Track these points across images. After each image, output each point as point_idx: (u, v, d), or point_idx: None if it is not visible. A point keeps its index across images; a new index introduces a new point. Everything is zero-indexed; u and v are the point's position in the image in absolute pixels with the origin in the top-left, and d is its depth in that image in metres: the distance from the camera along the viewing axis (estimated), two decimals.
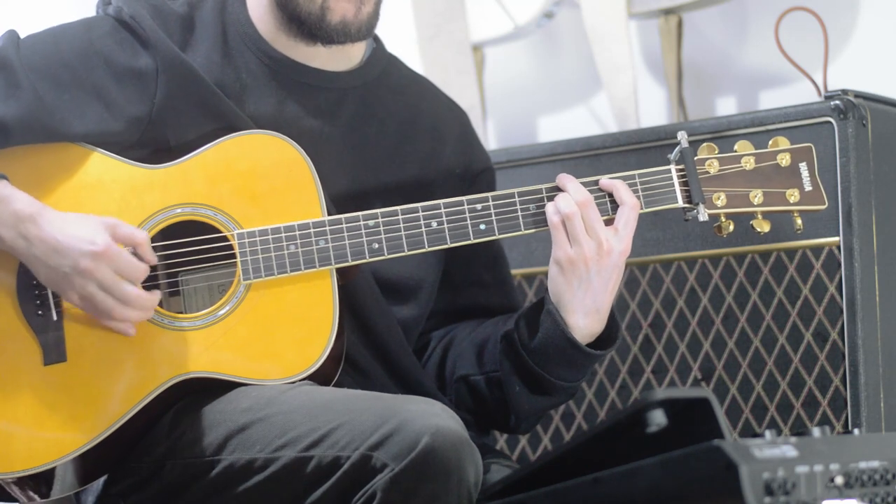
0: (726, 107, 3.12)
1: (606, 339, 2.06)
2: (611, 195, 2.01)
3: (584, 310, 2.01)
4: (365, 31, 2.09)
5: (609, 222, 2.00)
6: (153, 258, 1.95)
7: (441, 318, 2.22)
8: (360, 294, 2.07)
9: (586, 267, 1.98)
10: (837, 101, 2.35)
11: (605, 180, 2.01)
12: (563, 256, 1.99)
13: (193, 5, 2.11)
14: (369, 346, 2.09)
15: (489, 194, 2.02)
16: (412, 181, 2.15)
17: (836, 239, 2.34)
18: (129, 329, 1.94)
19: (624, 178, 2.02)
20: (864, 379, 2.32)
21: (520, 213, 2.01)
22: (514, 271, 2.53)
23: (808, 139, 2.23)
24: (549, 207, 2.00)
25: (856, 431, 1.89)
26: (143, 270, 1.92)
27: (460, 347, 2.17)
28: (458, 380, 2.15)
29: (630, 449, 1.59)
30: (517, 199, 2.02)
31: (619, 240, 1.99)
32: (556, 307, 2.01)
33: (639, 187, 2.02)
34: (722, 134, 2.44)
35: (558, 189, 2.02)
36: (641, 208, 2.02)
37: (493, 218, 2.01)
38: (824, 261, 2.36)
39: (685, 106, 3.04)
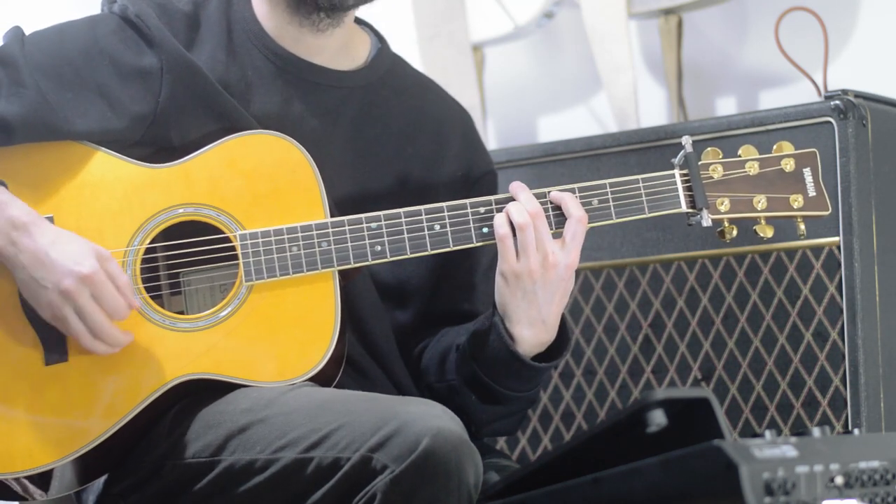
0: (726, 107, 3.12)
1: (556, 348, 2.05)
2: (559, 208, 2.00)
3: (529, 321, 2.00)
4: None
5: (557, 236, 2.00)
6: (134, 301, 1.93)
7: (432, 322, 2.21)
8: (357, 296, 2.07)
9: (531, 279, 1.97)
10: (837, 101, 2.35)
11: (556, 192, 2.00)
12: (508, 269, 1.98)
13: (199, 4, 2.11)
14: (366, 348, 2.10)
15: (492, 197, 2.01)
16: (415, 182, 2.15)
17: (836, 239, 2.35)
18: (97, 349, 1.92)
19: (627, 183, 2.02)
20: (864, 379, 2.32)
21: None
22: None
23: (808, 139, 2.24)
24: (497, 219, 1.99)
25: (856, 431, 1.89)
26: (124, 308, 1.90)
27: (429, 354, 2.16)
28: (425, 387, 2.14)
29: (630, 449, 1.59)
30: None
31: (565, 253, 1.98)
32: (502, 318, 2.01)
33: (642, 191, 2.02)
34: (722, 134, 2.44)
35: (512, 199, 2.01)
36: (588, 223, 1.99)
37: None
38: (824, 261, 2.36)
39: (685, 106, 3.04)
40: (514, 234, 1.97)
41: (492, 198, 2.01)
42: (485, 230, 2.01)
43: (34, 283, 1.89)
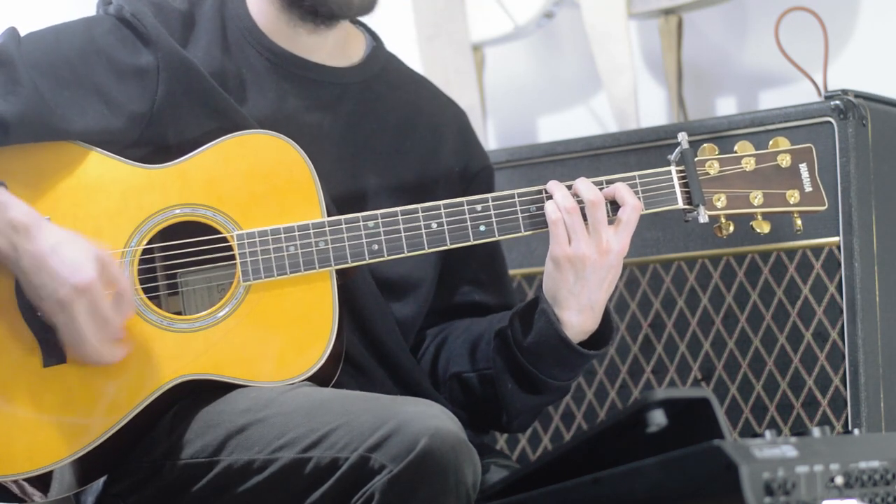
0: (726, 107, 3.12)
1: (601, 337, 2.06)
2: (613, 201, 2.01)
3: (579, 306, 2.01)
4: (368, 3, 2.08)
5: (610, 223, 2.01)
6: (131, 311, 1.91)
7: (437, 315, 2.22)
8: (358, 293, 2.07)
9: (583, 264, 1.98)
10: (837, 101, 2.35)
11: (608, 189, 2.01)
12: (561, 253, 1.99)
13: (194, 2, 2.11)
14: (368, 345, 2.10)
15: (489, 195, 2.02)
16: (411, 178, 2.15)
17: (836, 239, 2.35)
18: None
19: (624, 180, 2.02)
20: (864, 379, 2.32)
21: (520, 215, 2.01)
22: (513, 271, 2.53)
23: (808, 139, 2.23)
24: (549, 205, 2.00)
25: (856, 431, 1.89)
26: (115, 326, 1.88)
27: (454, 345, 2.17)
28: (451, 377, 2.15)
29: (630, 449, 1.59)
30: (517, 199, 2.02)
31: (617, 239, 1.99)
32: (551, 304, 2.02)
33: (639, 188, 2.03)
34: (722, 134, 2.44)
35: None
36: (642, 210, 2.02)
37: (493, 219, 2.01)
38: (824, 261, 2.36)
39: (685, 106, 3.04)
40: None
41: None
42: (482, 228, 2.01)
43: (33, 288, 1.88)
